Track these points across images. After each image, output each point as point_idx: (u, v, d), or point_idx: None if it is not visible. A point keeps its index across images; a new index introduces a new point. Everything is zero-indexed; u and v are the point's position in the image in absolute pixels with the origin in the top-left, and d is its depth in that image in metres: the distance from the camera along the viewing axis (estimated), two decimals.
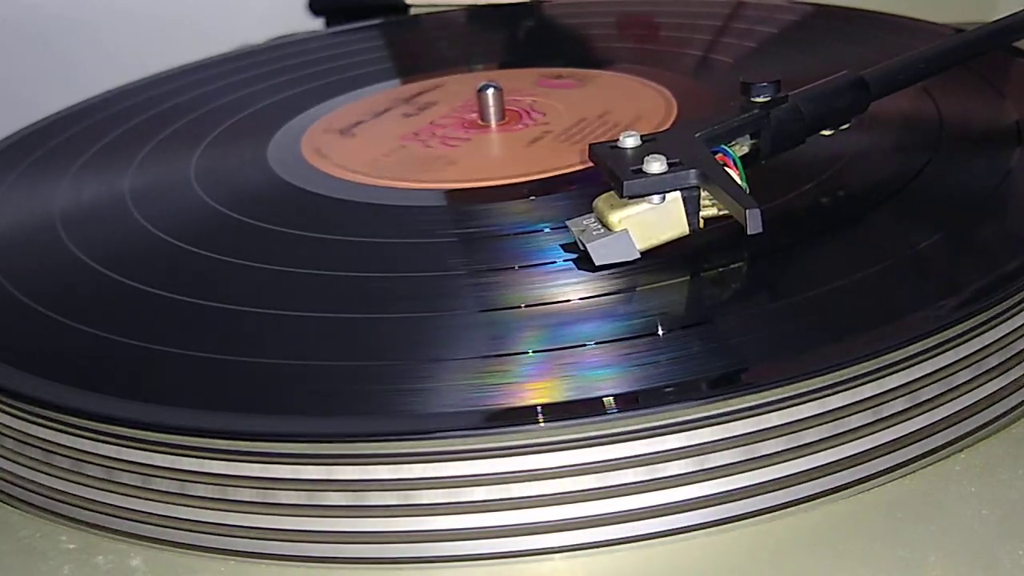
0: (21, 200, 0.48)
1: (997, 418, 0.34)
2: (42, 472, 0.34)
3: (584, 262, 0.36)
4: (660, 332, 0.33)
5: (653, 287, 0.35)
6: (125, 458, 0.32)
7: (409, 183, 0.44)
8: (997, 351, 0.33)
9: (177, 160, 0.49)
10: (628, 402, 0.30)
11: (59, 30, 0.80)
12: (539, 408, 0.30)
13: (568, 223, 0.38)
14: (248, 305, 0.37)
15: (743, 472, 0.31)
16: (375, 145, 0.49)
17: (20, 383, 0.34)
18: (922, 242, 0.37)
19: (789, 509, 0.31)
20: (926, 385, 0.32)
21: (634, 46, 0.61)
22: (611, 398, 0.30)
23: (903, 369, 0.32)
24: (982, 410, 0.33)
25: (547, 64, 0.57)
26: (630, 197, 0.36)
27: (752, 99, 0.39)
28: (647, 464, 0.30)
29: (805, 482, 0.31)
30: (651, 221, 0.36)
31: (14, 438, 0.35)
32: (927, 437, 0.32)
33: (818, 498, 0.31)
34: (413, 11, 0.73)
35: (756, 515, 0.31)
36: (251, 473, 0.31)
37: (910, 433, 0.32)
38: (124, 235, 0.43)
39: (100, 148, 0.52)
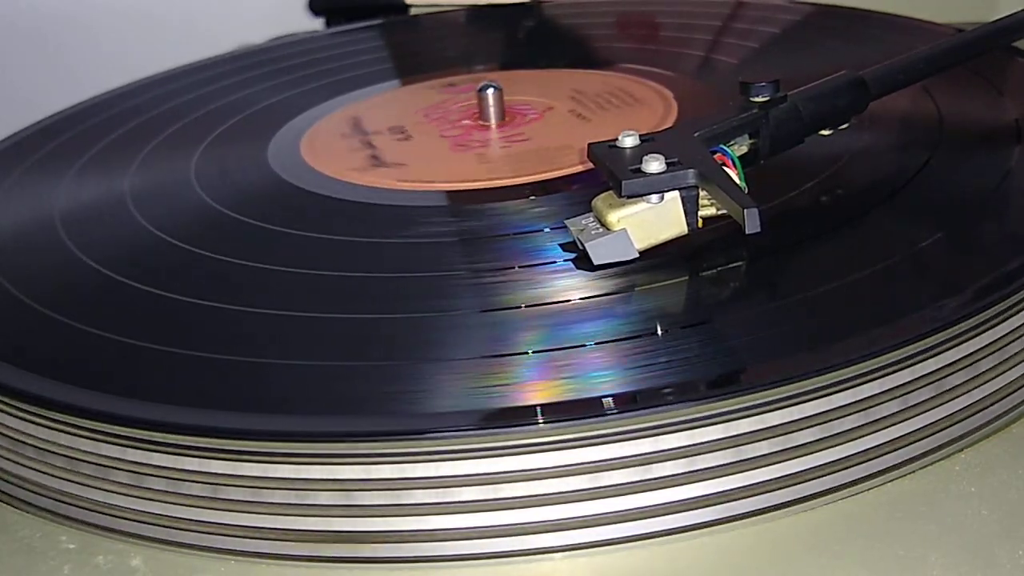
0: (21, 200, 0.48)
1: (997, 418, 0.34)
2: (42, 472, 0.34)
3: (583, 262, 0.36)
4: (659, 332, 0.33)
5: (652, 287, 0.35)
6: (125, 457, 0.32)
7: (536, 175, 0.44)
8: (996, 351, 0.33)
9: (177, 160, 0.49)
10: (627, 402, 0.30)
11: (59, 30, 0.80)
12: (538, 408, 0.30)
13: (567, 223, 0.38)
14: (248, 305, 0.37)
15: (743, 472, 0.31)
16: (440, 155, 0.47)
17: (20, 383, 0.34)
18: (922, 241, 0.37)
19: (789, 509, 0.31)
20: (926, 385, 0.32)
21: (634, 46, 0.61)
22: (610, 398, 0.30)
23: (902, 369, 0.32)
24: (982, 410, 0.33)
25: (548, 65, 0.57)
26: (629, 197, 0.36)
27: (751, 99, 0.39)
28: (646, 464, 0.30)
29: (805, 482, 0.31)
30: (650, 220, 0.36)
31: (14, 438, 0.35)
32: (927, 437, 0.32)
33: (818, 498, 0.31)
34: (413, 11, 0.73)
35: (756, 515, 0.31)
36: (251, 473, 0.31)
37: (910, 433, 0.32)
38: (124, 235, 0.43)
39: (100, 148, 0.52)
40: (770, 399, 0.30)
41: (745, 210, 0.34)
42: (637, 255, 0.36)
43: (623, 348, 0.32)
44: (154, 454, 0.32)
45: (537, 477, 0.30)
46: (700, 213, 0.36)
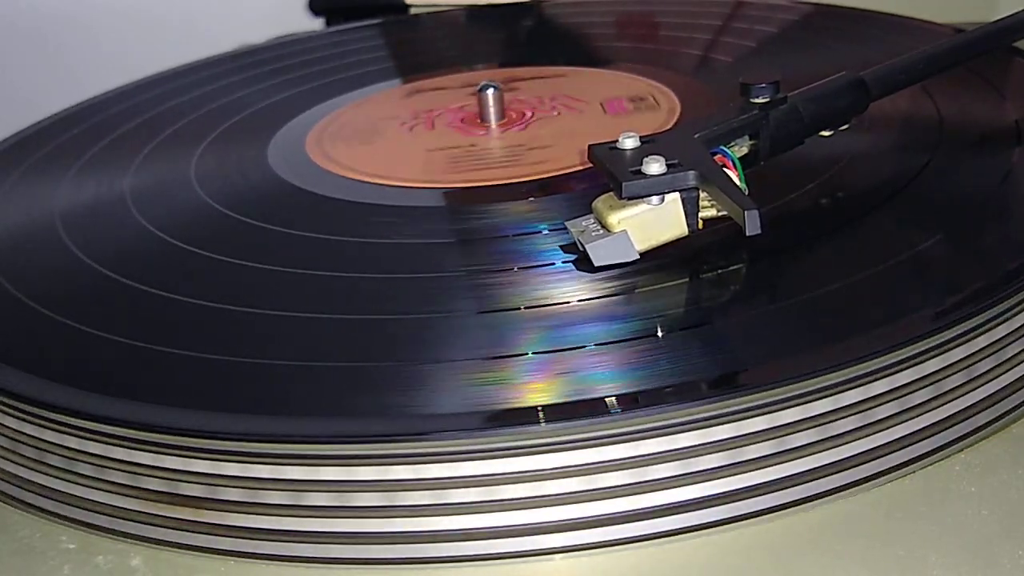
0: (21, 200, 0.48)
1: (997, 418, 0.34)
2: (42, 472, 0.34)
3: (583, 263, 0.36)
4: (659, 333, 0.33)
5: (652, 288, 0.35)
6: (125, 458, 0.32)
7: (535, 175, 0.44)
8: (996, 352, 0.33)
9: (177, 160, 0.49)
10: (628, 403, 0.30)
11: (59, 30, 0.80)
12: (539, 409, 0.30)
13: (567, 224, 0.38)
14: (247, 306, 0.37)
15: (743, 472, 0.31)
16: (439, 154, 0.48)
17: (20, 383, 0.34)
18: (922, 243, 0.37)
19: (788, 509, 0.31)
20: (926, 385, 0.32)
21: (634, 46, 0.61)
22: (612, 399, 0.30)
23: (903, 370, 0.32)
24: (982, 410, 0.33)
25: (548, 63, 0.57)
26: (629, 198, 0.36)
27: (751, 100, 0.39)
28: (647, 464, 0.30)
29: (805, 482, 0.31)
30: (650, 222, 0.36)
31: (14, 438, 0.35)
32: (927, 438, 0.32)
33: (818, 498, 0.31)
34: (413, 11, 0.73)
35: (756, 515, 0.31)
36: (251, 474, 0.31)
37: (910, 433, 0.32)
38: (124, 235, 0.43)
39: (100, 148, 0.52)
40: (771, 400, 0.30)
41: (745, 211, 0.34)
42: (637, 256, 0.36)
43: (623, 349, 0.32)
44: (153, 455, 0.32)
45: (537, 478, 0.30)
46: (700, 214, 0.36)
